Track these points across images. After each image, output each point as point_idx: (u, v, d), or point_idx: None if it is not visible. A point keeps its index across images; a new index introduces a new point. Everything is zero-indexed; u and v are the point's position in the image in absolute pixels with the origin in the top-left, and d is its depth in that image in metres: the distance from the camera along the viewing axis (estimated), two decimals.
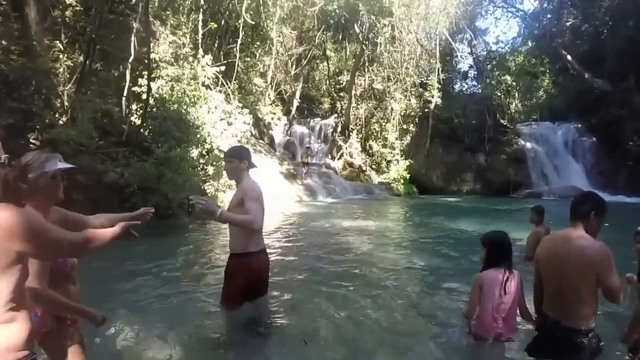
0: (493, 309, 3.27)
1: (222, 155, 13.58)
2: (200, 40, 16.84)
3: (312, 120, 28.44)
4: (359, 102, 26.91)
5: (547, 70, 31.34)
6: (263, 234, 3.98)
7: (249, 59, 23.57)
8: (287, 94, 29.70)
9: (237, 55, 19.28)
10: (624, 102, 23.04)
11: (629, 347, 3.09)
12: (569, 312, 2.68)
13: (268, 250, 4.64)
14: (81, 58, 11.59)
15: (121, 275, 6.13)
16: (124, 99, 12.04)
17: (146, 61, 12.28)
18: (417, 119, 26.52)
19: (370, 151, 26.02)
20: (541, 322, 2.90)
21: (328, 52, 30.43)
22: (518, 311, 3.32)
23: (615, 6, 24.97)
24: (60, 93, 10.67)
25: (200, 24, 17.12)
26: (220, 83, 17.58)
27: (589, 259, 2.54)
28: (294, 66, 28.72)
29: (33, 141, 9.02)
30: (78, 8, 12.08)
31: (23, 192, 2.04)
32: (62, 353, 2.37)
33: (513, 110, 31.77)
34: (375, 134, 26.37)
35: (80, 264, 2.51)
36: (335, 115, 28.19)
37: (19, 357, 1.61)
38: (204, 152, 13.25)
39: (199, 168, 12.67)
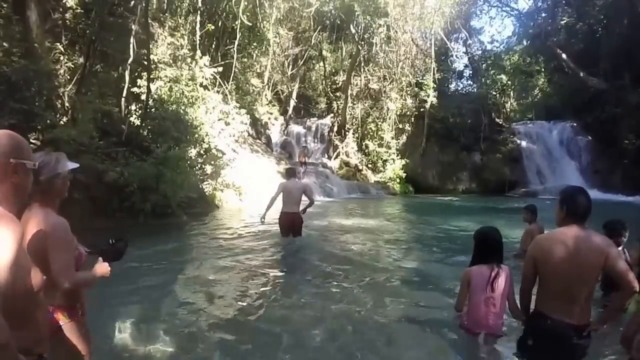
0: (482, 304, 3.33)
1: (219, 155, 13.82)
2: (198, 42, 16.99)
3: (308, 120, 28.61)
4: (355, 102, 27.01)
5: (542, 69, 31.44)
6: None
7: (246, 59, 23.71)
8: (284, 94, 29.89)
9: (235, 56, 19.43)
10: (619, 100, 22.89)
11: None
12: (575, 310, 2.70)
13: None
14: (81, 60, 11.73)
15: (121, 273, 6.18)
16: (123, 99, 12.19)
17: (145, 62, 12.44)
18: (412, 119, 26.62)
19: (366, 150, 26.11)
20: (539, 323, 2.83)
21: (324, 53, 30.56)
22: (507, 307, 3.34)
23: (609, 4, 24.98)
24: (61, 94, 10.80)
25: (198, 25, 17.25)
26: (217, 84, 17.74)
27: (599, 247, 2.63)
28: (290, 66, 28.90)
29: (34, 141, 9.17)
30: (78, 10, 12.24)
31: (33, 193, 2.14)
32: (71, 348, 2.41)
33: (508, 109, 31.92)
34: (371, 133, 26.47)
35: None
36: (332, 115, 28.30)
37: None
38: (202, 152, 13.43)
39: (197, 167, 12.85)
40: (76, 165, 2.38)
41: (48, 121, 9.41)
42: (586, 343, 2.76)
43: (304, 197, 8.05)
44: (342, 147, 25.88)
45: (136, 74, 12.91)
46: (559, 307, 2.73)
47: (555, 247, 2.73)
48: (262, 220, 7.78)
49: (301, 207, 7.96)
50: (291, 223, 7.84)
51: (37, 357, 1.76)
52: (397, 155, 25.24)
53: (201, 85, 15.14)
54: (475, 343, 3.57)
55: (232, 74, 19.47)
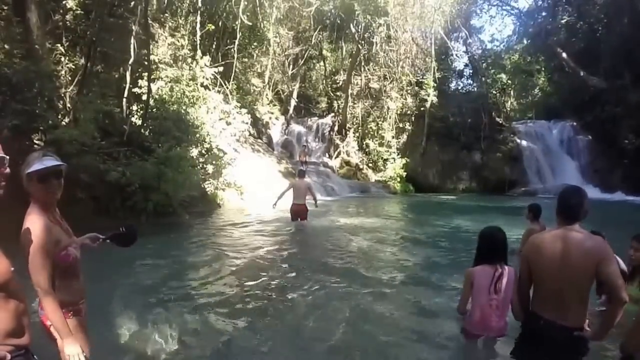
0: (486, 306, 3.27)
1: (221, 154, 13.85)
2: (198, 42, 17.02)
3: (309, 119, 28.69)
4: (355, 101, 27.04)
5: (543, 68, 31.48)
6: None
7: (246, 59, 23.78)
8: (285, 94, 29.91)
9: (235, 56, 19.48)
10: (619, 100, 22.89)
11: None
12: (567, 312, 2.65)
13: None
14: (82, 60, 11.75)
15: (123, 272, 6.29)
16: (124, 100, 12.22)
17: (146, 63, 12.49)
18: (413, 118, 26.62)
19: (367, 150, 26.14)
20: (533, 324, 2.80)
21: (324, 52, 30.60)
22: (510, 308, 3.24)
23: (610, 3, 24.97)
24: (63, 95, 10.83)
25: (198, 25, 17.28)
26: (218, 83, 17.77)
27: (590, 250, 2.55)
28: (291, 66, 28.91)
29: (37, 142, 9.21)
30: (78, 12, 12.28)
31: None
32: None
33: (509, 109, 31.91)
34: (371, 132, 26.49)
35: (82, 258, 2.54)
36: (332, 114, 28.37)
37: None
38: (203, 151, 13.45)
39: (198, 167, 12.87)
40: (42, 166, 2.23)
41: (50, 122, 9.40)
42: (582, 346, 2.71)
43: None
44: (343, 147, 25.91)
45: (137, 74, 12.94)
46: (552, 308, 2.69)
47: (545, 248, 2.70)
48: (274, 206, 10.03)
49: (306, 202, 10.03)
50: (299, 211, 10.01)
51: (15, 347, 1.80)
52: (398, 155, 25.27)
53: (202, 85, 15.18)
54: (476, 344, 3.57)
55: (233, 74, 19.51)
